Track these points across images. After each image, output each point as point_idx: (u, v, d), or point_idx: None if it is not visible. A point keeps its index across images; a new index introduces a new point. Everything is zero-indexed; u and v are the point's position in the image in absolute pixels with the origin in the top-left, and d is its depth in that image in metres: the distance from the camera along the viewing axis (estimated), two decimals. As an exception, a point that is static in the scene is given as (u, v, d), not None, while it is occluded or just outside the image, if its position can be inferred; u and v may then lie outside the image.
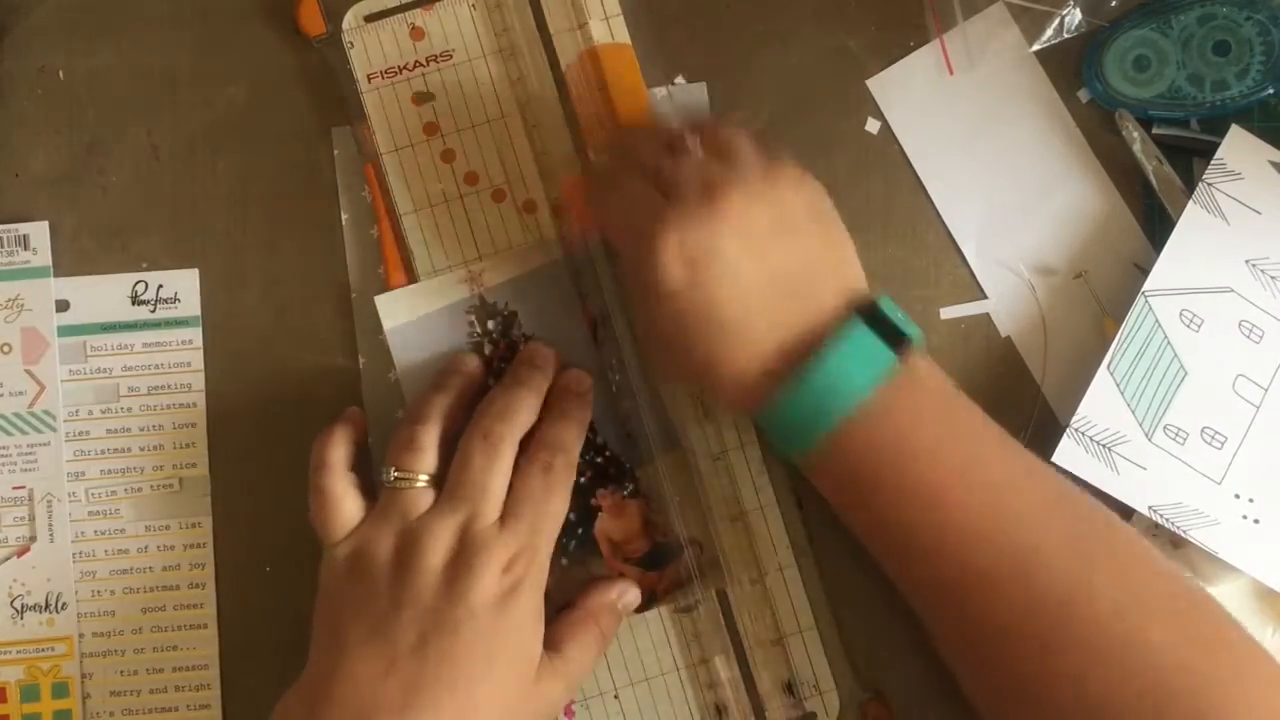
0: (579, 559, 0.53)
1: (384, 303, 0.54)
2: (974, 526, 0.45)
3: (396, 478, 0.49)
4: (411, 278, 0.55)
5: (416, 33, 0.55)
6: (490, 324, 0.54)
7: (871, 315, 0.47)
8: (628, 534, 0.53)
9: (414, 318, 0.54)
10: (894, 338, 0.46)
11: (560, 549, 0.51)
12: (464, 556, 0.47)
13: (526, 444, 0.51)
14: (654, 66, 0.55)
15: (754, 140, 0.48)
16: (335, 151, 0.56)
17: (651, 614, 0.54)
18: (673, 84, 0.55)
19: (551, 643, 0.49)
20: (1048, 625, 0.43)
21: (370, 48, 0.55)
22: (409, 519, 0.49)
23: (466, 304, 0.54)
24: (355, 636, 0.47)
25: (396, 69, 0.55)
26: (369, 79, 0.55)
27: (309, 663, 0.49)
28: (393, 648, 0.46)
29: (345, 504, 0.50)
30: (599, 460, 0.53)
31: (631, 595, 0.52)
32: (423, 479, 0.49)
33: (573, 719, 0.54)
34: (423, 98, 0.55)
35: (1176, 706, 0.42)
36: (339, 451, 0.51)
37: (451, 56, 0.55)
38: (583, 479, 0.53)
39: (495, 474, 0.49)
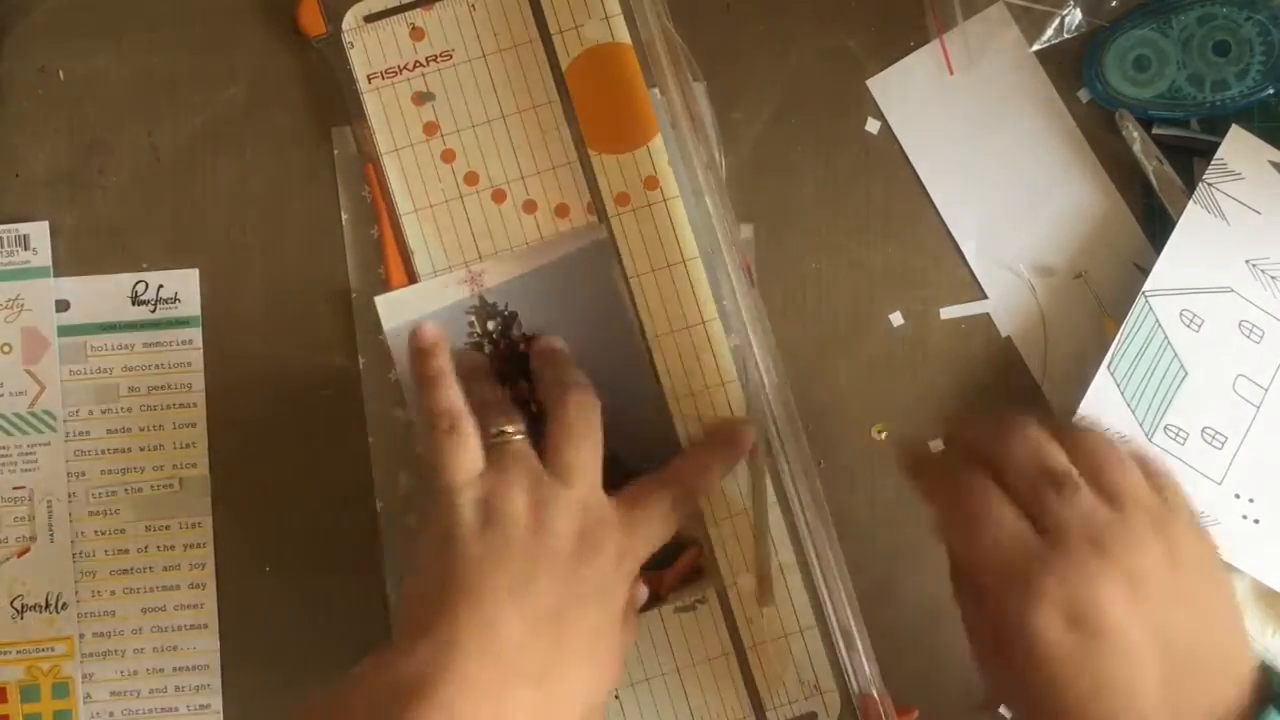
0: None
1: (384, 303, 0.54)
2: None
3: (498, 433, 0.48)
4: (411, 278, 0.55)
5: (416, 33, 0.55)
6: (490, 324, 0.54)
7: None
8: None
9: (414, 318, 0.54)
10: None
11: None
12: (593, 534, 0.47)
13: None
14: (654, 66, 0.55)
15: (1145, 478, 0.43)
16: (335, 151, 0.56)
17: (651, 614, 0.54)
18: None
19: None
20: None
21: (370, 48, 0.55)
22: (533, 476, 0.47)
23: (466, 304, 0.54)
24: (496, 586, 0.44)
25: (396, 69, 0.55)
26: (369, 79, 0.55)
27: (418, 597, 0.46)
28: (535, 608, 0.45)
29: (473, 445, 0.48)
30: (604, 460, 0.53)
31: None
32: (520, 434, 0.49)
33: (573, 719, 0.54)
34: (423, 98, 0.55)
35: None
36: (459, 395, 0.49)
37: (451, 56, 0.55)
38: None
39: (596, 453, 0.49)
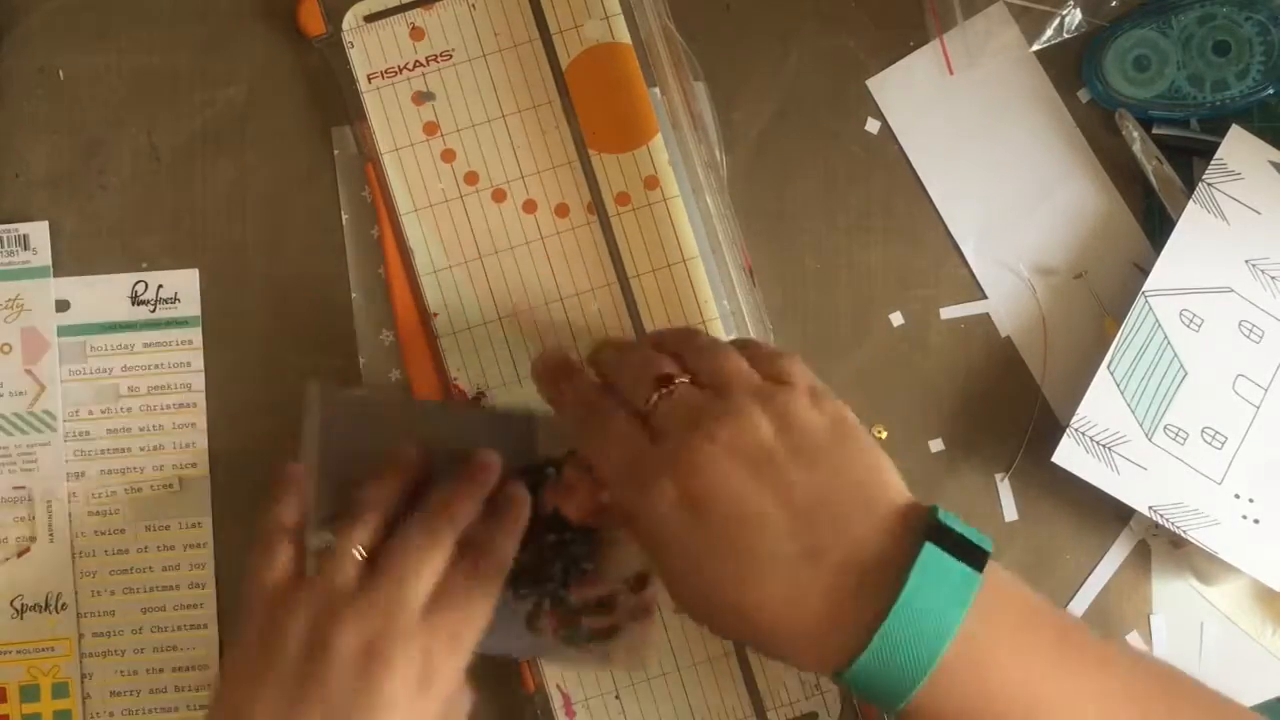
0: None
1: None
2: None
3: (327, 544, 0.47)
4: (411, 277, 0.55)
5: (416, 33, 0.55)
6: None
7: (937, 534, 0.41)
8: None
9: None
10: (968, 552, 0.41)
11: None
12: (382, 645, 0.45)
13: None
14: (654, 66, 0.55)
15: (765, 363, 0.45)
16: (335, 151, 0.56)
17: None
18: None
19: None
20: None
21: (370, 48, 0.55)
22: (331, 593, 0.46)
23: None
24: (253, 712, 0.44)
25: (396, 69, 0.55)
26: (369, 79, 0.55)
27: None
28: None
29: (279, 561, 0.48)
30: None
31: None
32: (356, 551, 0.47)
33: (573, 719, 0.54)
34: (423, 97, 0.55)
35: None
36: (287, 511, 0.49)
37: (451, 56, 0.55)
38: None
39: (429, 561, 0.47)
